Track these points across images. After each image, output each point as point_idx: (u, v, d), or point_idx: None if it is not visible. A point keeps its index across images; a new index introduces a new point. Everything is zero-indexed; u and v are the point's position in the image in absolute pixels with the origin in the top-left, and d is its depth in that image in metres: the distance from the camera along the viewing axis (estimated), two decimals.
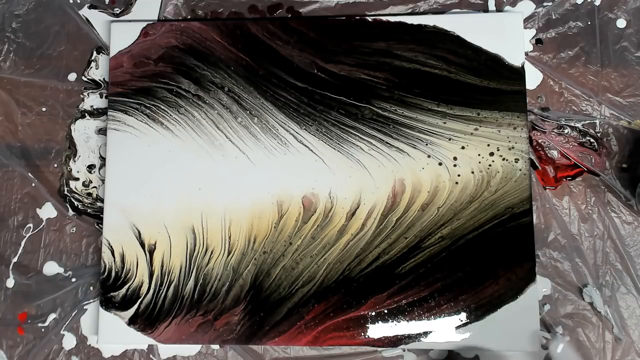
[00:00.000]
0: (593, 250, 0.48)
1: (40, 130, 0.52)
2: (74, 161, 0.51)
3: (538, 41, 0.50)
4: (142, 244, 0.48)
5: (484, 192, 0.47)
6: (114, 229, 0.48)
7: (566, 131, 0.49)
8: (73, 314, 0.49)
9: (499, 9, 0.51)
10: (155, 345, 0.49)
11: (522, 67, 0.48)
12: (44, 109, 0.52)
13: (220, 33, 0.50)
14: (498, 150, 0.48)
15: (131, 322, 0.48)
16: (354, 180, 0.48)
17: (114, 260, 0.48)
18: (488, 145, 0.48)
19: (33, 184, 0.51)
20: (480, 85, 0.48)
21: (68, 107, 0.52)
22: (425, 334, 0.46)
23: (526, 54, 0.50)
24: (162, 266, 0.48)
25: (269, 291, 0.47)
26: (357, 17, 0.50)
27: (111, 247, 0.48)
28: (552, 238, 0.48)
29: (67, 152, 0.51)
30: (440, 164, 0.48)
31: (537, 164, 0.49)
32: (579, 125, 0.49)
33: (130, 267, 0.48)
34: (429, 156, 0.48)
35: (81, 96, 0.52)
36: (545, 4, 0.50)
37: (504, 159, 0.47)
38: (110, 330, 0.48)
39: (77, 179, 0.51)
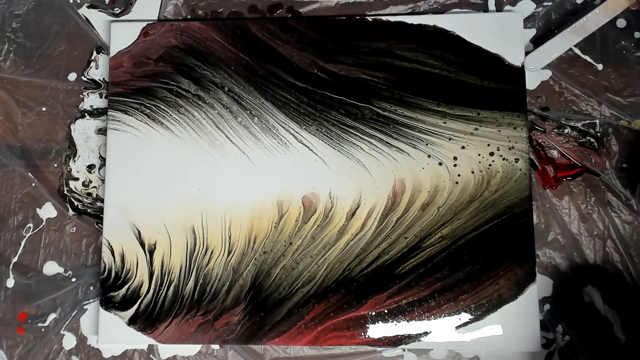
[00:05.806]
0: (593, 250, 0.48)
1: (40, 130, 0.52)
2: (74, 161, 0.51)
3: (538, 41, 0.50)
4: (142, 244, 0.48)
5: (484, 192, 0.47)
6: (114, 229, 0.48)
7: (566, 131, 0.49)
8: (73, 314, 0.49)
9: (499, 9, 0.51)
10: (155, 345, 0.49)
11: (522, 67, 0.48)
12: (44, 109, 0.52)
13: (220, 33, 0.50)
14: (498, 150, 0.48)
15: (131, 322, 0.48)
16: (354, 180, 0.48)
17: (114, 260, 0.48)
18: (488, 145, 0.48)
19: (33, 184, 0.51)
20: (480, 85, 0.48)
21: (68, 107, 0.52)
22: (425, 334, 0.46)
23: (526, 54, 0.50)
24: (162, 266, 0.48)
25: (269, 291, 0.47)
26: (357, 17, 0.50)
27: (111, 247, 0.48)
28: (552, 238, 0.48)
29: (67, 152, 0.51)
30: (440, 163, 0.48)
31: (537, 164, 0.49)
32: (579, 125, 0.49)
33: (130, 267, 0.48)
34: (429, 156, 0.48)
35: (81, 96, 0.52)
36: (545, 3, 0.50)
37: (504, 159, 0.47)
38: (110, 330, 0.47)
39: (77, 179, 0.51)
